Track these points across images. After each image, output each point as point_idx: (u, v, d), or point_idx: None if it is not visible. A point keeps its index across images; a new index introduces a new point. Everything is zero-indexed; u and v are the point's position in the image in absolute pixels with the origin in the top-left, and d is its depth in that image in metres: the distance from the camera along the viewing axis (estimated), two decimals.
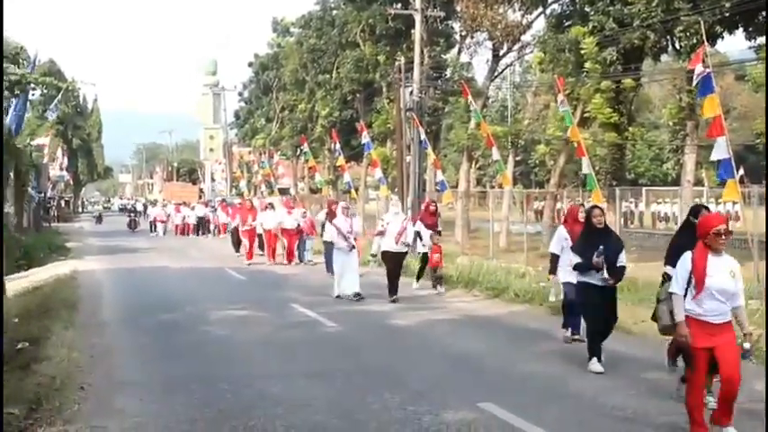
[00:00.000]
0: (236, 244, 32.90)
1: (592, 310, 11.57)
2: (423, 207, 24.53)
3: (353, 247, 19.69)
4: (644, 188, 52.47)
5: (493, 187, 60.07)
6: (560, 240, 13.45)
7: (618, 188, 27.07)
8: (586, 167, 24.14)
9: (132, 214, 62.43)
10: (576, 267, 11.60)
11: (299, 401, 9.75)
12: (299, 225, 28.83)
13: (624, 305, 17.34)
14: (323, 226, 24.80)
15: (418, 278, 21.46)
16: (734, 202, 35.75)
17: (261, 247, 31.09)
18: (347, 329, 15.32)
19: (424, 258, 21.29)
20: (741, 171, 35.12)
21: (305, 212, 30.75)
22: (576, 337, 13.23)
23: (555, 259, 13.52)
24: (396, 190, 35.74)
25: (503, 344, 13.11)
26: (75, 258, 32.40)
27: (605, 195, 26.69)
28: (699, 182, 39.85)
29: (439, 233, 21.95)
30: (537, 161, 49.82)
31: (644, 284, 18.83)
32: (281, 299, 19.75)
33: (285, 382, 10.84)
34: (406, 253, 20.05)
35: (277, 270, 26.95)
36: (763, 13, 24.15)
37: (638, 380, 10.85)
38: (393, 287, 19.10)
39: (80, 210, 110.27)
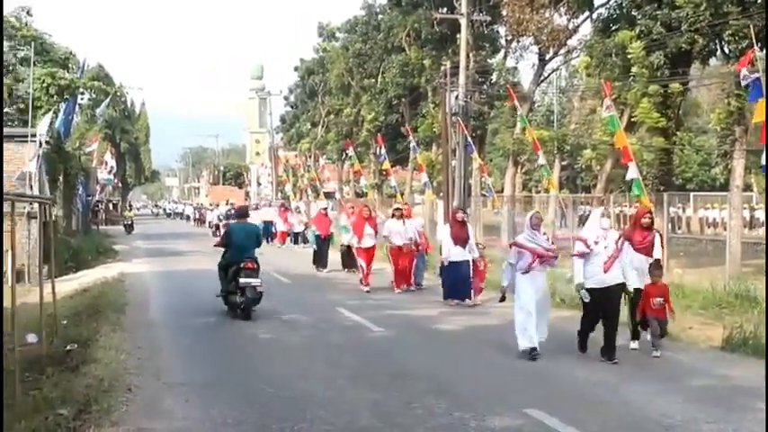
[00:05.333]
0: (348, 262, 26.46)
1: None
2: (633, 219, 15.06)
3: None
4: (692, 193, 51.96)
5: (539, 192, 59.85)
6: None
7: (665, 193, 26.80)
8: (633, 172, 23.99)
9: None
10: None
11: (344, 405, 9.79)
12: (413, 239, 22.39)
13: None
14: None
15: (635, 334, 13.75)
16: None
17: (347, 264, 26.56)
18: (393, 334, 15.34)
19: (636, 300, 13.36)
20: None
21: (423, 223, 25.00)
22: None
23: None
24: (441, 194, 35.73)
25: (548, 349, 12.97)
26: (123, 261, 32.80)
27: (652, 200, 26.51)
28: (748, 187, 39.39)
29: (659, 264, 13.98)
30: (583, 166, 49.47)
31: (691, 291, 18.71)
32: (326, 302, 19.83)
33: (330, 385, 10.89)
34: (622, 287, 12.71)
35: (321, 273, 26.94)
36: None
37: (686, 387, 10.76)
38: (584, 339, 13.17)
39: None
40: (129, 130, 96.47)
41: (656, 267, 13.48)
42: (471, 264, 19.44)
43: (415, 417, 9.29)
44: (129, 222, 61.72)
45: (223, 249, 18.35)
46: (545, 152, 31.75)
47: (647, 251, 13.56)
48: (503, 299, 13.59)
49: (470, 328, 16.01)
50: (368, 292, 21.93)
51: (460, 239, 19.40)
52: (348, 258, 26.19)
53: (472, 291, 19.39)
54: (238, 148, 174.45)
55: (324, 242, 28.77)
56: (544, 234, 13.79)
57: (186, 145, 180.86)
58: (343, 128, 59.86)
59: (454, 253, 19.30)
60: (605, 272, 12.35)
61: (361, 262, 22.80)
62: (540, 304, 12.98)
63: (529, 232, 13.35)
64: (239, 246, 17.62)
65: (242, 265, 17.03)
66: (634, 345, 13.56)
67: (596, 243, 12.48)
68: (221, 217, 49.32)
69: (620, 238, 12.74)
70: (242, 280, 16.92)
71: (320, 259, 28.42)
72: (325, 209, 31.60)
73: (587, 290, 12.46)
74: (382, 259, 23.67)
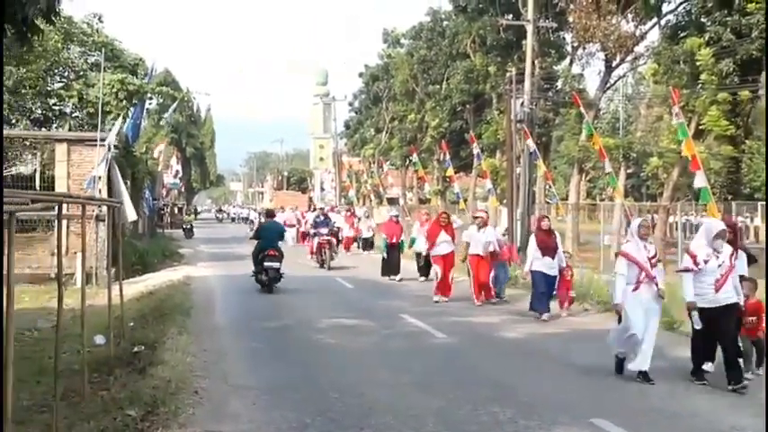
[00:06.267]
0: (425, 270, 25.91)
1: None
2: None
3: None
4: (760, 203, 51.16)
5: (603, 200, 59.31)
6: None
7: (734, 202, 26.45)
8: (701, 181, 23.68)
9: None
10: None
11: (409, 411, 9.77)
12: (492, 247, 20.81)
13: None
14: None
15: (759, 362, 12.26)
16: None
17: (425, 271, 25.87)
18: (457, 341, 15.29)
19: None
20: None
21: (505, 232, 24.51)
22: None
23: None
24: (504, 201, 35.59)
25: (614, 359, 12.85)
26: (188, 264, 33.10)
27: (720, 210, 26.14)
28: None
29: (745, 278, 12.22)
30: (649, 174, 49.03)
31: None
32: (389, 308, 19.81)
33: (394, 391, 10.90)
34: (736, 308, 11.41)
35: (384, 280, 26.85)
36: None
37: (756, 400, 10.56)
38: (699, 363, 11.66)
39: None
40: (195, 134, 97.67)
41: (743, 281, 11.87)
42: (558, 275, 18.54)
43: (480, 424, 9.26)
44: (189, 227, 59.77)
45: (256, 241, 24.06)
46: (610, 160, 31.48)
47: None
48: (619, 320, 12.01)
49: (534, 336, 15.91)
50: (436, 302, 20.87)
51: (549, 249, 18.29)
52: (425, 267, 25.65)
53: (557, 302, 18.88)
54: (303, 153, 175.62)
55: (394, 249, 27.78)
56: (651, 243, 12.24)
57: (251, 149, 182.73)
58: (407, 134, 59.93)
59: (540, 264, 18.22)
60: (717, 291, 11.09)
61: (437, 269, 21.71)
62: (649, 328, 11.63)
63: (635, 243, 11.92)
64: (267, 238, 23.66)
65: (267, 253, 22.95)
66: (751, 376, 11.82)
67: (706, 262, 11.14)
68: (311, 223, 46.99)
69: (733, 254, 11.34)
70: (266, 263, 22.93)
71: (391, 267, 27.41)
72: (397, 216, 30.60)
73: (697, 309, 11.17)
74: (461, 269, 22.37)
